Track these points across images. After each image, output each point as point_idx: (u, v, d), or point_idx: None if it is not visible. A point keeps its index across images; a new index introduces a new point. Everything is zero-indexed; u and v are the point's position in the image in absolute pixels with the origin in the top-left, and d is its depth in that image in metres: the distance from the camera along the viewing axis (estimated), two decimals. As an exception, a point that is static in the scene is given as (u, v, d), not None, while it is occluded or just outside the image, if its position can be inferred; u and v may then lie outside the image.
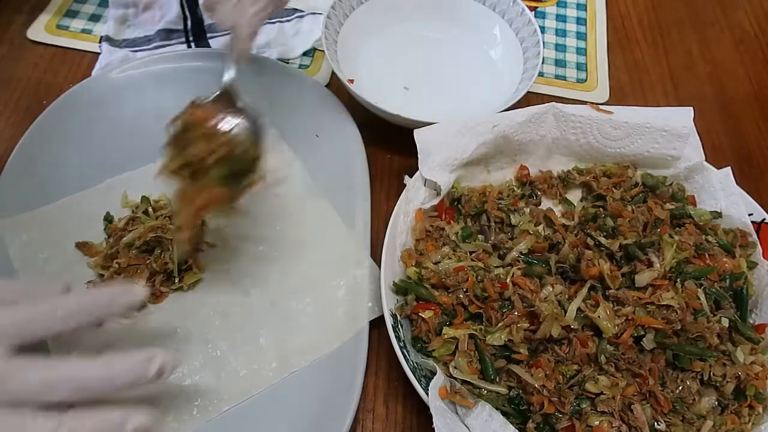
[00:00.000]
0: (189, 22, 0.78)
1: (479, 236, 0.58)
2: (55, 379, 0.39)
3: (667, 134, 0.60)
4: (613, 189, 0.61)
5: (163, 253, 0.56)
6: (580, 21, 0.87)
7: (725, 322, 0.51)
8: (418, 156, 0.58)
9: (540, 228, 0.59)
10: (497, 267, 0.54)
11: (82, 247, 0.57)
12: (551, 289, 0.51)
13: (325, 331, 0.55)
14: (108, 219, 0.59)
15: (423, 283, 0.53)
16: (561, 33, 0.85)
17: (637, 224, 0.56)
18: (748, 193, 0.59)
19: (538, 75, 0.71)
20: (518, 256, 0.55)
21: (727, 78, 0.82)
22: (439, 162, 0.58)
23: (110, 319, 0.46)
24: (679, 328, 0.49)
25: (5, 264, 0.56)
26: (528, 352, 0.49)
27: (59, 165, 0.62)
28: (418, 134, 0.59)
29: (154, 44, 0.76)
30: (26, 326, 0.40)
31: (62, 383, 0.39)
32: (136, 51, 0.74)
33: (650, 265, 0.52)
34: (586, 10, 0.88)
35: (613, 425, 0.47)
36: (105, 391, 0.40)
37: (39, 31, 0.77)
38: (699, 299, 0.51)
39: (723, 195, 0.59)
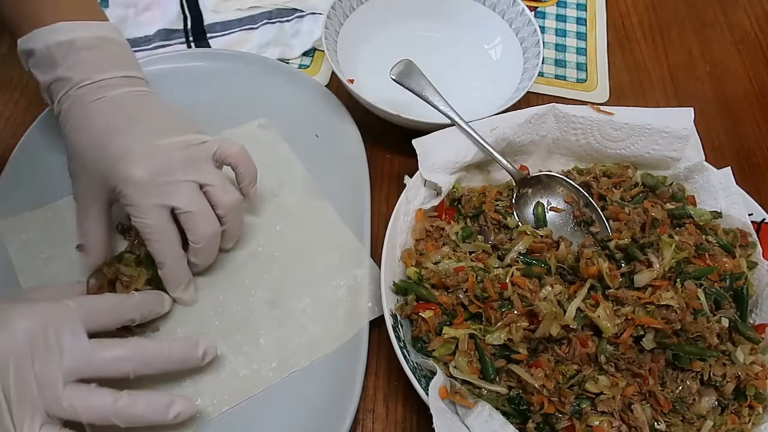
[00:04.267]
0: (189, 22, 0.78)
1: (479, 236, 0.58)
2: (125, 354, 0.45)
3: (667, 136, 0.60)
4: (613, 189, 0.61)
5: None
6: (580, 21, 0.87)
7: (725, 322, 0.51)
8: (418, 159, 0.58)
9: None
10: (497, 267, 0.54)
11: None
12: (550, 289, 0.51)
13: (325, 331, 0.55)
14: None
15: (423, 283, 0.53)
16: (561, 33, 0.85)
17: (634, 225, 0.56)
18: (748, 193, 0.59)
19: (538, 75, 0.71)
20: (517, 257, 0.55)
21: (727, 78, 0.82)
22: (439, 165, 0.59)
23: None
24: (678, 328, 0.49)
25: (5, 264, 0.56)
26: (528, 351, 0.49)
27: (59, 165, 0.62)
28: (417, 143, 0.59)
29: (154, 44, 0.76)
30: (100, 314, 0.47)
31: (130, 358, 0.45)
32: (136, 51, 0.74)
33: (650, 265, 0.52)
34: (586, 10, 0.88)
35: (613, 425, 0.47)
36: (161, 368, 0.47)
37: (39, 31, 0.77)
38: (699, 299, 0.51)
39: (723, 195, 0.59)
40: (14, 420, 0.40)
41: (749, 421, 0.50)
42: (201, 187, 0.52)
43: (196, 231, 0.52)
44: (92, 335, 0.45)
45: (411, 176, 0.59)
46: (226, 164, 0.56)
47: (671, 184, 0.62)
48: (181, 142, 0.52)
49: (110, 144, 0.50)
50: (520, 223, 0.59)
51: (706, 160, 0.61)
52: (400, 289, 0.54)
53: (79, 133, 0.52)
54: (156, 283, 0.54)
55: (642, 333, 0.49)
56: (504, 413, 0.47)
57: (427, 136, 0.60)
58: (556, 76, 0.80)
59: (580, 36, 0.85)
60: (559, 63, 0.82)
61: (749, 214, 0.58)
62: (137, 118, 0.53)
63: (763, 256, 0.56)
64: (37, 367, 0.41)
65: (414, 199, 0.58)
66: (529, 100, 0.74)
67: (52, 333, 0.42)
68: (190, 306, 0.55)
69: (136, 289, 0.53)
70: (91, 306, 0.47)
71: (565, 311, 0.49)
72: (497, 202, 0.60)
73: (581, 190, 0.60)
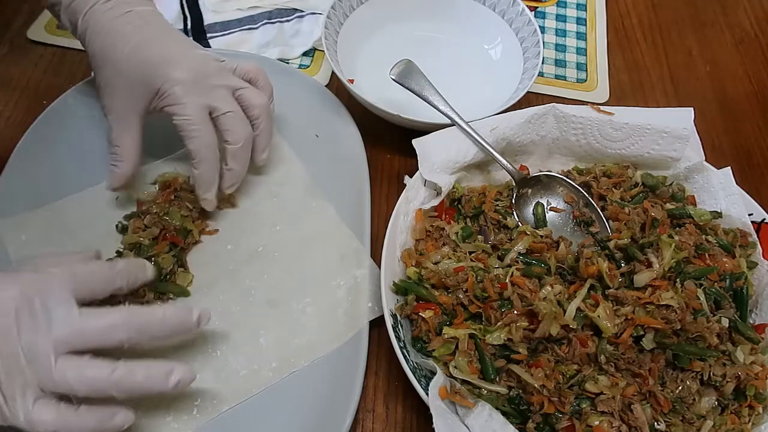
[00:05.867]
0: (189, 22, 0.78)
1: (479, 236, 0.58)
2: (118, 321, 0.43)
3: (667, 136, 0.60)
4: (613, 189, 0.61)
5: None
6: (580, 21, 0.87)
7: (725, 322, 0.51)
8: (418, 159, 0.58)
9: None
10: (496, 267, 0.54)
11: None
12: (550, 289, 0.51)
13: (325, 331, 0.55)
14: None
15: (423, 283, 0.53)
16: (561, 33, 0.85)
17: (633, 225, 0.56)
18: (748, 193, 0.59)
19: (538, 75, 0.71)
20: (517, 257, 0.55)
21: (727, 78, 0.82)
22: (439, 165, 0.59)
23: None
24: (678, 328, 0.49)
25: (5, 264, 0.56)
26: (528, 351, 0.49)
27: (59, 165, 0.62)
28: (417, 143, 0.59)
29: (154, 44, 0.76)
30: (88, 280, 0.44)
31: (123, 325, 0.43)
32: (136, 51, 0.74)
33: (649, 265, 0.52)
34: (586, 10, 0.88)
35: (613, 425, 0.47)
36: (157, 334, 0.45)
37: (39, 31, 0.77)
38: (699, 299, 0.51)
39: (723, 195, 0.59)
40: (5, 395, 0.39)
41: (749, 421, 0.50)
42: (233, 93, 0.57)
43: (235, 131, 0.56)
44: (82, 306, 0.43)
45: (411, 176, 0.59)
46: (246, 79, 0.59)
47: (671, 184, 0.62)
48: (208, 54, 0.57)
49: (151, 51, 0.54)
50: (519, 223, 0.59)
51: (706, 160, 0.61)
52: (400, 289, 0.53)
53: (114, 45, 0.54)
54: (153, 285, 0.54)
55: (642, 333, 0.49)
56: (504, 413, 0.47)
57: (427, 136, 0.60)
58: (556, 76, 0.80)
59: (580, 36, 0.85)
60: (559, 63, 0.82)
61: (749, 214, 0.58)
62: (168, 31, 0.57)
63: (763, 256, 0.56)
64: (24, 339, 0.39)
65: (414, 199, 0.58)
66: (529, 100, 0.74)
67: (38, 303, 0.40)
68: (212, 210, 0.59)
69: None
70: (79, 273, 0.44)
71: (565, 311, 0.49)
72: (497, 202, 0.60)
73: (581, 190, 0.60)
